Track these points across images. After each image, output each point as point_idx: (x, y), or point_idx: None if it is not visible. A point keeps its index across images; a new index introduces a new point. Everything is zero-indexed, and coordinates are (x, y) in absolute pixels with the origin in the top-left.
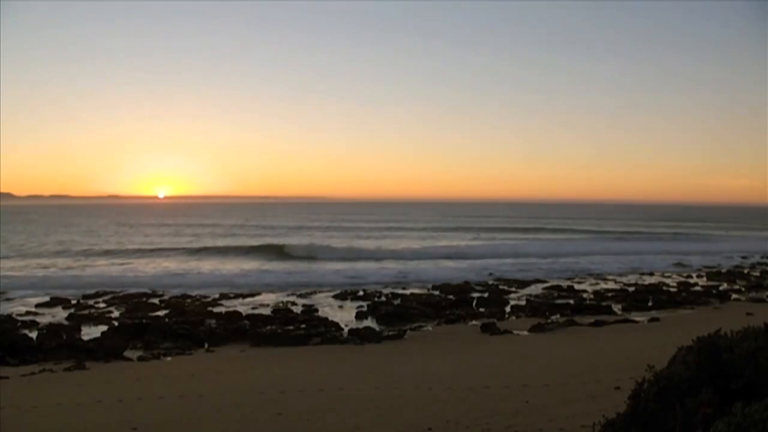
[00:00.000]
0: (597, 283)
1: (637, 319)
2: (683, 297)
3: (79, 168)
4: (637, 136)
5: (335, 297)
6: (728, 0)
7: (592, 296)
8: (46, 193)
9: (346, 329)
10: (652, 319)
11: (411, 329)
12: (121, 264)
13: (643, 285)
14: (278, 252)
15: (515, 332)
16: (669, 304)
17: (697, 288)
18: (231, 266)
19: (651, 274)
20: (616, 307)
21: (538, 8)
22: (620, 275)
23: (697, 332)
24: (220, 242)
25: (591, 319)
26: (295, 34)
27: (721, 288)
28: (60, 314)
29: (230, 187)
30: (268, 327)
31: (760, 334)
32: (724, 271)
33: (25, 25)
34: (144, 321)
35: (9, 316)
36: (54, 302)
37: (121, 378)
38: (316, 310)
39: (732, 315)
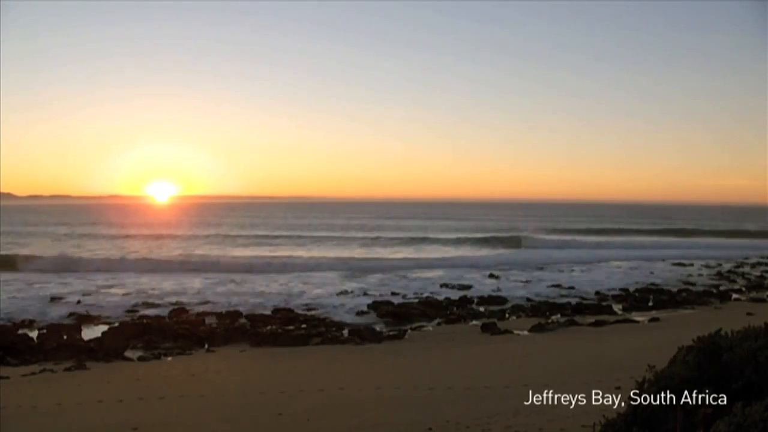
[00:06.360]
0: (597, 283)
1: (637, 319)
2: (683, 297)
3: (79, 168)
4: (636, 135)
5: (336, 296)
6: (728, 0)
7: (592, 296)
8: (46, 193)
9: (346, 329)
10: (653, 319)
11: (411, 329)
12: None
13: (643, 285)
14: None
15: (516, 332)
16: (669, 304)
17: (698, 288)
18: None
19: (651, 273)
20: (617, 307)
21: (538, 7)
22: (620, 276)
23: (698, 332)
24: None
25: (591, 319)
26: (309, 33)
27: (721, 288)
28: (60, 314)
29: (231, 188)
30: (268, 327)
31: (761, 334)
32: (724, 271)
33: (24, 23)
34: (144, 321)
35: (9, 316)
36: (54, 302)
37: (121, 378)
38: (317, 310)
39: (732, 315)
